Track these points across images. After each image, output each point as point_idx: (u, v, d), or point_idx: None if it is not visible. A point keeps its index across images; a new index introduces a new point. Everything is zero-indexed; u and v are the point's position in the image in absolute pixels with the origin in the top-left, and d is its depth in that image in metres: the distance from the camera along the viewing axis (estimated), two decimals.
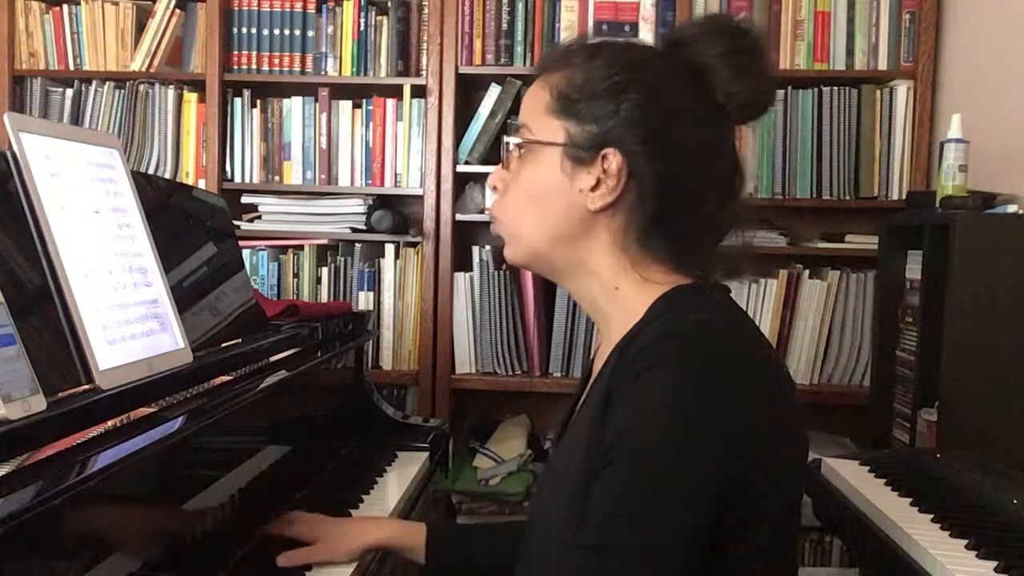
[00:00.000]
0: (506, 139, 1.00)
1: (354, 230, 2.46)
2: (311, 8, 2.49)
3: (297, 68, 2.50)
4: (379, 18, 2.48)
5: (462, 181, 2.50)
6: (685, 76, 0.93)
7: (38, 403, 0.84)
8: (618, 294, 0.95)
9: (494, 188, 1.01)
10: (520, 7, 2.43)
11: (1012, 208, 1.81)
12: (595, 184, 0.92)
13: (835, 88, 2.40)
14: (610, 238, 0.94)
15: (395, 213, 2.47)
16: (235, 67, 2.50)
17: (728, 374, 0.83)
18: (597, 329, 1.00)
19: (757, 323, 2.48)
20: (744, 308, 2.38)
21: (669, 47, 0.97)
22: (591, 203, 0.92)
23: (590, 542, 0.82)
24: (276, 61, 2.50)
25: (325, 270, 2.48)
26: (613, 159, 0.91)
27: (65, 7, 2.54)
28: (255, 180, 2.52)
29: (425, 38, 2.47)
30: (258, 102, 2.52)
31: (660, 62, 0.95)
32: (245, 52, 2.49)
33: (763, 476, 0.84)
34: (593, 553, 0.81)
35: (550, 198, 0.94)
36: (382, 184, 2.50)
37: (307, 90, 2.51)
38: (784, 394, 0.89)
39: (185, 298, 1.26)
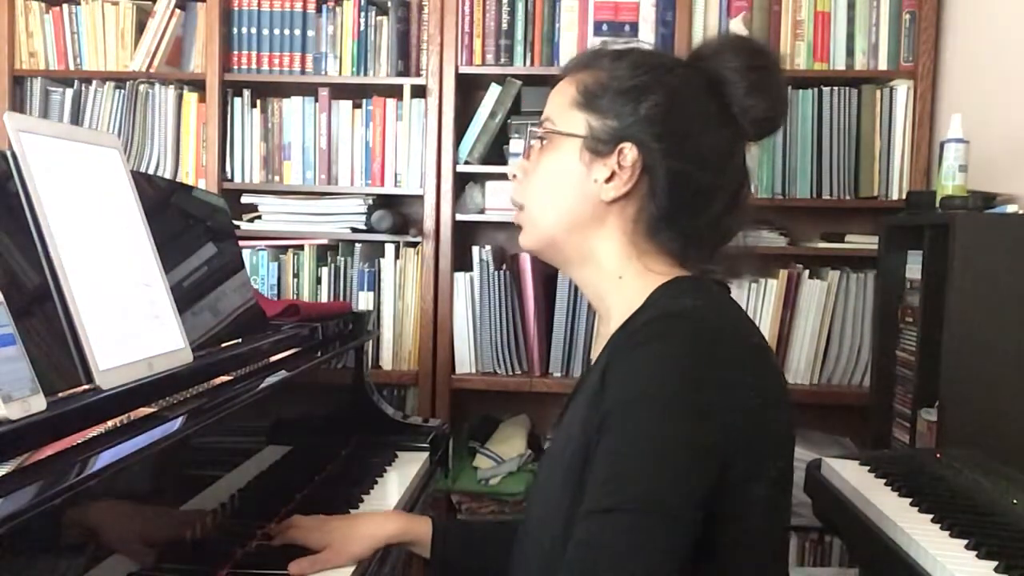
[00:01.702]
0: (530, 128, 1.05)
1: (354, 230, 2.46)
2: (311, 8, 2.49)
3: (297, 68, 2.50)
4: (379, 18, 2.48)
5: (462, 181, 2.50)
6: (704, 85, 0.99)
7: (38, 403, 0.84)
8: (621, 283, 0.99)
9: (514, 176, 1.06)
10: (520, 7, 2.43)
11: (1012, 208, 1.81)
12: (610, 176, 0.98)
13: (835, 88, 2.40)
14: (620, 228, 0.99)
15: (395, 213, 2.47)
16: (235, 67, 2.50)
17: (718, 351, 0.88)
18: (598, 328, 1.05)
19: (757, 323, 2.50)
20: (744, 308, 2.39)
21: (692, 58, 1.02)
22: (604, 194, 0.98)
23: (591, 507, 0.84)
24: (276, 61, 2.50)
25: (325, 270, 2.48)
26: (629, 153, 0.96)
27: (65, 7, 2.54)
28: (255, 180, 2.52)
29: (425, 38, 2.47)
30: (258, 102, 2.52)
31: (682, 70, 1.00)
32: (245, 52, 2.49)
33: (748, 453, 0.87)
34: (596, 517, 0.83)
35: (566, 186, 1.00)
36: (382, 184, 2.50)
37: (307, 90, 2.51)
38: (771, 378, 0.94)
39: (185, 298, 1.26)
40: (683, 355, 0.86)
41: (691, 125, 0.97)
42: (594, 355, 1.02)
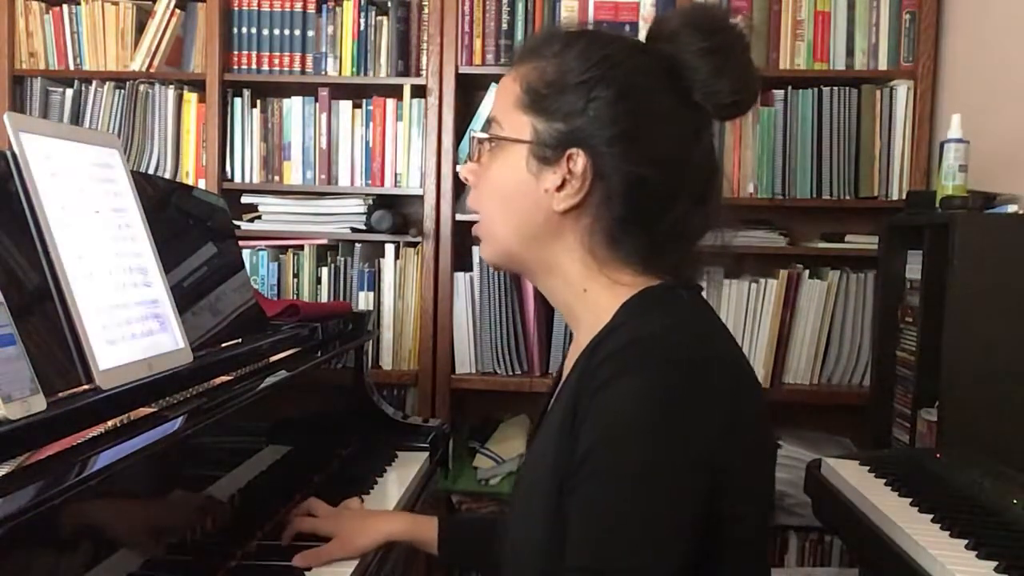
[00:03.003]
0: (473, 134, 0.98)
1: (354, 230, 2.46)
2: (311, 8, 2.48)
3: (297, 68, 2.50)
4: (379, 18, 2.48)
5: (462, 181, 2.50)
6: (661, 73, 0.90)
7: (38, 403, 0.84)
8: (587, 296, 0.93)
9: (466, 180, 0.99)
10: (520, 7, 2.43)
11: (1012, 208, 1.81)
12: (561, 184, 0.89)
13: (835, 88, 2.40)
14: (577, 240, 0.92)
15: (395, 213, 2.47)
16: (235, 67, 2.50)
17: (693, 380, 0.82)
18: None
19: (757, 323, 2.49)
20: (744, 308, 2.40)
21: (647, 40, 0.94)
22: (557, 204, 0.90)
23: (578, 564, 0.80)
24: (276, 61, 2.49)
25: (325, 270, 2.48)
26: (579, 159, 0.88)
27: (65, 7, 2.54)
28: (255, 180, 2.52)
29: (425, 38, 2.47)
30: (258, 102, 2.52)
31: (636, 58, 0.91)
32: (245, 52, 2.49)
33: (733, 478, 0.83)
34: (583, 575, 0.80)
35: (516, 197, 0.92)
36: (382, 184, 2.50)
37: (307, 90, 2.51)
38: (749, 396, 0.88)
39: (185, 298, 1.26)
40: (655, 391, 0.80)
41: (647, 122, 0.88)
42: (567, 367, 0.97)
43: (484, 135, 0.95)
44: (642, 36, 0.96)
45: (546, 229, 0.92)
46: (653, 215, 0.89)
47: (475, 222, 1.01)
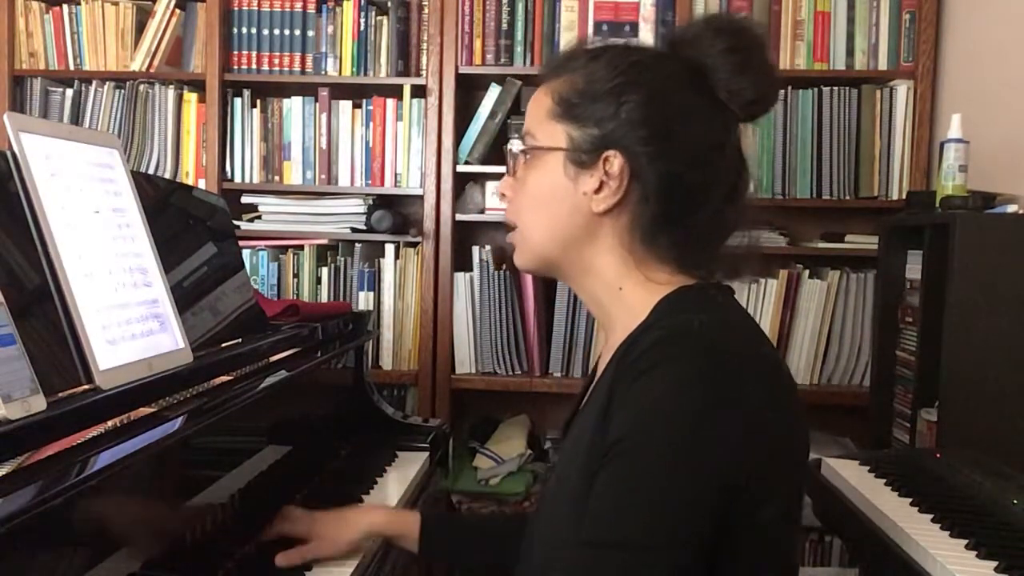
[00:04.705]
0: (509, 147, 1.01)
1: (354, 230, 2.46)
2: (311, 8, 2.49)
3: (297, 68, 2.50)
4: (379, 18, 2.48)
5: (462, 181, 2.50)
6: (686, 76, 0.94)
7: (38, 403, 0.84)
8: (622, 295, 0.96)
9: (502, 196, 1.02)
10: (520, 7, 2.43)
11: (1012, 208, 1.81)
12: (598, 187, 0.93)
13: (835, 88, 2.40)
14: (615, 239, 0.95)
15: (395, 213, 2.47)
16: (235, 67, 2.50)
17: (729, 375, 0.83)
18: (598, 329, 1.01)
19: (757, 323, 2.48)
20: (744, 308, 2.39)
21: (670, 47, 0.98)
22: (595, 205, 0.94)
23: (589, 537, 0.82)
24: (276, 61, 2.50)
25: (325, 270, 2.48)
26: (615, 160, 0.92)
27: (65, 7, 2.54)
28: (255, 180, 2.52)
29: (425, 38, 2.47)
30: (258, 102, 2.52)
31: (661, 62, 0.96)
32: (245, 52, 2.49)
33: (763, 478, 0.83)
34: (593, 549, 0.81)
35: (555, 203, 0.96)
36: (382, 184, 2.50)
37: (307, 90, 2.51)
38: (785, 396, 0.89)
39: (185, 298, 1.26)
40: (691, 381, 0.82)
41: (677, 122, 0.93)
42: (600, 365, 0.99)
43: (520, 147, 0.99)
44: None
45: (586, 231, 0.95)
46: (688, 211, 0.93)
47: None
